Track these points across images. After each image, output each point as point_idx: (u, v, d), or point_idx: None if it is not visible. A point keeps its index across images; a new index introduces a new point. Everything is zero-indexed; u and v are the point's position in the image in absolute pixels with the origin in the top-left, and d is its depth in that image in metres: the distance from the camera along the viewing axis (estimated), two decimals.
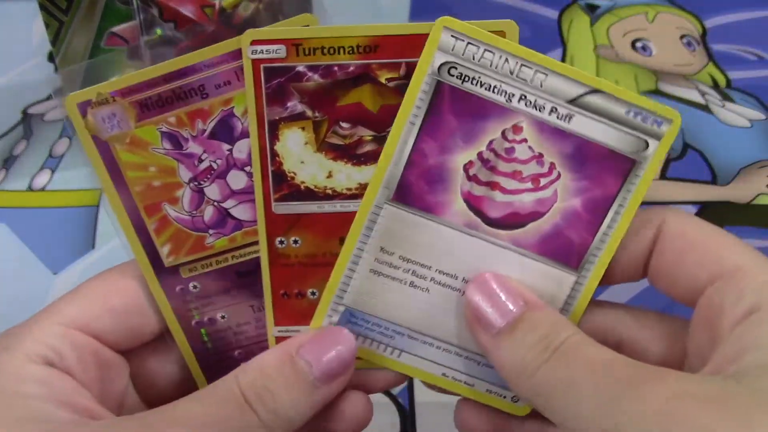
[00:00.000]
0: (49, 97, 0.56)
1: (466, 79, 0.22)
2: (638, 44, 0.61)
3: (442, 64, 0.22)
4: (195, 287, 0.25)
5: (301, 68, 0.22)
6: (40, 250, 0.45)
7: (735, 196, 0.48)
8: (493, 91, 0.22)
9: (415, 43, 0.22)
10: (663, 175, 0.50)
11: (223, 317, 0.26)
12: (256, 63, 0.22)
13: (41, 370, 0.22)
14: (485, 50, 0.22)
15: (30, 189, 0.50)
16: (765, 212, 0.47)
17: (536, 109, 0.22)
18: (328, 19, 0.63)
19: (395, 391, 0.38)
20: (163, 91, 0.23)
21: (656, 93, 0.56)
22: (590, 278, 0.24)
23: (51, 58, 0.60)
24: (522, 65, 0.22)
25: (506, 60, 0.22)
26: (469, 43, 0.22)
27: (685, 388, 0.19)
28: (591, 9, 0.65)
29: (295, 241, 0.24)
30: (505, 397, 0.25)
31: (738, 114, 0.54)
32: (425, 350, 0.25)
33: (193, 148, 0.23)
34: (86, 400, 0.22)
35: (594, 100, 0.22)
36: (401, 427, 0.37)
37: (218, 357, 0.26)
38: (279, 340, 0.25)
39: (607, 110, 0.22)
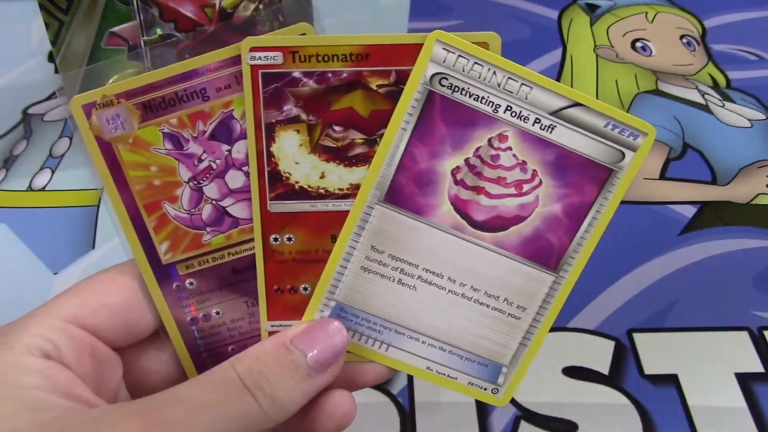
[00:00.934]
0: (49, 97, 0.56)
1: (456, 89, 0.24)
2: (638, 44, 0.61)
3: (434, 75, 0.23)
4: (191, 284, 0.26)
5: (297, 74, 0.23)
6: (40, 250, 0.45)
7: (735, 196, 0.48)
8: (481, 102, 0.24)
9: (404, 53, 0.23)
10: (663, 175, 0.50)
11: (217, 313, 0.26)
12: (254, 69, 0.23)
13: (40, 362, 0.22)
14: (475, 63, 0.23)
15: (30, 189, 0.50)
16: (765, 212, 0.47)
17: (521, 119, 0.24)
18: (327, 18, 0.63)
19: (395, 391, 0.38)
20: (166, 94, 0.24)
21: (656, 93, 0.56)
22: (567, 278, 0.26)
23: (51, 58, 0.60)
24: (509, 78, 0.24)
25: (494, 73, 0.24)
26: (459, 55, 0.23)
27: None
28: (591, 9, 0.65)
29: (289, 239, 0.25)
30: (485, 389, 0.27)
31: (738, 114, 0.54)
32: (411, 345, 0.26)
33: (194, 148, 0.24)
34: (84, 391, 0.23)
35: (575, 112, 0.24)
36: (401, 427, 0.37)
37: (211, 353, 0.27)
38: (271, 334, 0.25)
39: (586, 122, 0.24)
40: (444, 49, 0.23)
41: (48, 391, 0.21)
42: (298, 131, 0.24)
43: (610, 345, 0.40)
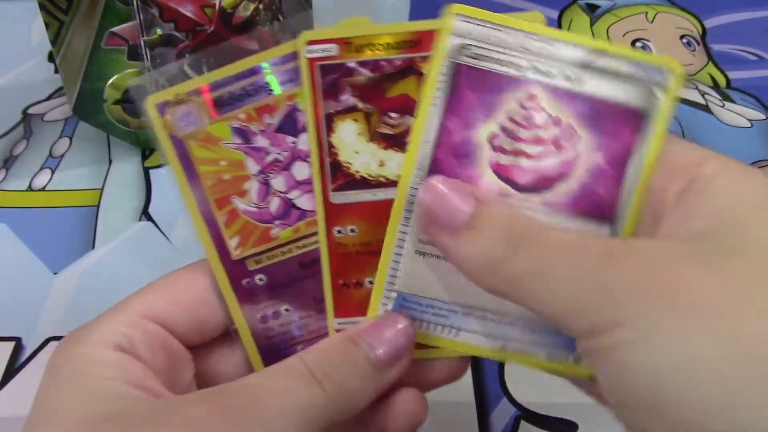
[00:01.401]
0: (49, 97, 0.56)
1: (480, 57, 0.23)
2: (638, 44, 0.61)
3: (456, 46, 0.23)
4: (261, 280, 0.26)
5: (351, 64, 0.24)
6: (40, 250, 0.45)
7: None
8: (506, 66, 0.23)
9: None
10: None
11: (287, 310, 0.26)
12: (311, 61, 0.24)
13: (113, 355, 0.23)
14: (494, 29, 0.23)
15: (30, 189, 0.50)
16: None
17: (547, 76, 0.24)
18: (327, 18, 0.63)
19: None
20: (235, 90, 0.24)
21: None
22: (625, 227, 0.24)
23: (51, 58, 0.60)
24: (529, 38, 0.24)
25: (514, 36, 0.23)
26: (478, 24, 0.23)
27: (659, 253, 0.20)
28: (591, 9, 0.65)
29: (352, 230, 0.24)
30: (566, 359, 0.26)
31: (738, 114, 0.54)
32: (481, 325, 0.24)
33: (261, 141, 0.24)
34: (155, 383, 0.23)
35: (599, 61, 0.24)
36: None
37: (281, 352, 0.26)
38: (339, 332, 0.25)
39: (613, 69, 0.24)
40: (464, 21, 0.23)
41: (121, 382, 0.22)
42: (356, 120, 0.23)
43: None
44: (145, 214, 0.47)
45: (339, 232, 0.24)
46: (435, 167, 0.23)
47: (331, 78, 0.24)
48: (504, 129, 0.24)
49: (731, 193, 0.21)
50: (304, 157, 0.24)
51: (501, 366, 0.39)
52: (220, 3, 0.43)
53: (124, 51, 0.46)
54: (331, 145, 0.24)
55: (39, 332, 0.41)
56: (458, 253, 0.22)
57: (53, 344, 0.40)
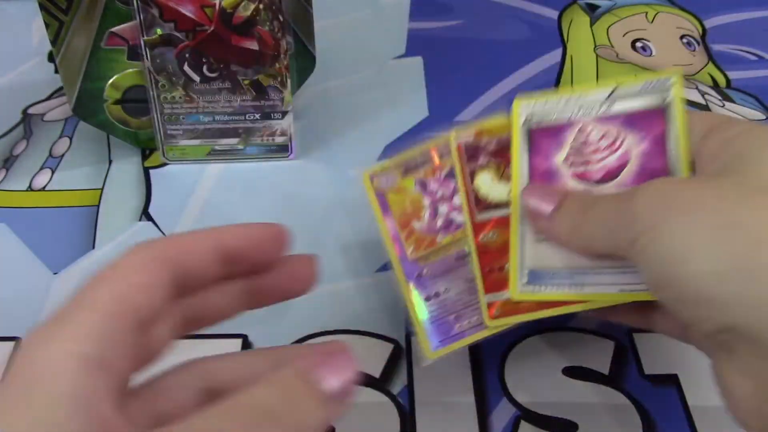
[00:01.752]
0: (49, 97, 0.57)
1: (541, 121, 0.36)
2: (638, 44, 0.61)
3: (525, 121, 0.36)
4: (427, 271, 0.37)
5: (483, 142, 0.38)
6: (40, 250, 0.45)
7: None
8: (558, 119, 0.35)
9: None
10: None
11: (446, 290, 0.36)
12: (459, 146, 0.38)
13: (71, 365, 0.22)
14: (543, 102, 0.36)
15: (30, 189, 0.50)
16: None
17: (588, 114, 0.35)
18: (327, 18, 0.63)
19: (395, 391, 0.38)
20: (418, 161, 0.39)
21: None
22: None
23: (51, 58, 0.60)
24: (566, 99, 0.36)
25: (555, 102, 0.36)
26: (535, 102, 0.36)
27: (667, 184, 0.29)
28: (591, 9, 0.65)
29: (493, 235, 0.35)
30: (636, 291, 0.32)
31: (738, 114, 0.54)
32: (598, 278, 0.33)
33: (433, 186, 0.38)
34: (107, 408, 0.22)
35: (617, 92, 0.35)
36: (401, 427, 0.37)
37: (440, 322, 0.36)
38: (489, 305, 0.34)
39: (629, 93, 0.35)
40: (525, 104, 0.36)
41: (66, 403, 0.21)
42: (489, 171, 0.37)
43: (610, 345, 0.40)
44: (145, 214, 0.47)
45: (483, 237, 0.36)
46: None
47: (471, 151, 0.37)
48: (572, 152, 0.35)
49: (740, 139, 0.29)
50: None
51: (501, 366, 0.39)
52: (220, 3, 0.43)
53: (124, 51, 0.46)
54: (475, 188, 0.37)
55: None
56: (552, 232, 0.32)
57: None
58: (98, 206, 0.48)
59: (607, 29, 0.63)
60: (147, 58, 0.45)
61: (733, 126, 0.30)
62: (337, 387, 0.24)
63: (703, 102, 0.55)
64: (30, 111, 0.56)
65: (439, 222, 0.37)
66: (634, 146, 0.34)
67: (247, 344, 0.40)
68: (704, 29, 0.63)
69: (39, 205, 0.48)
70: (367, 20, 0.65)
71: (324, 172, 0.50)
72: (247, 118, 0.48)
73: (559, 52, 0.61)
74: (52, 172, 0.51)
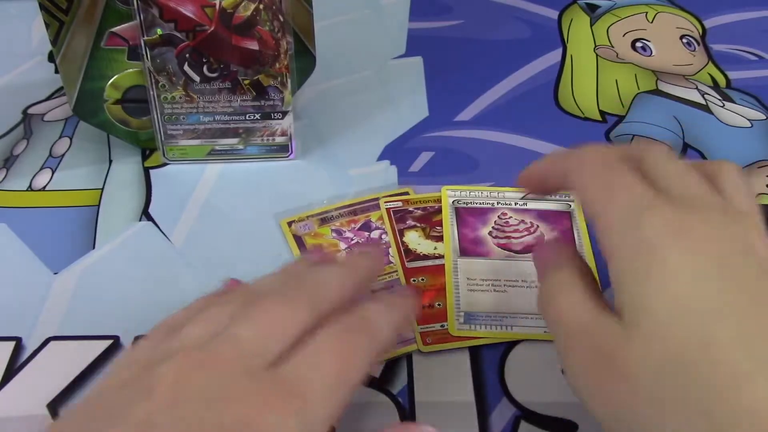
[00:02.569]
0: (49, 97, 0.57)
1: (467, 203, 0.47)
2: (638, 44, 0.61)
3: (453, 201, 0.47)
4: None
5: (410, 209, 0.47)
6: (40, 250, 0.45)
7: None
8: (483, 204, 0.47)
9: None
10: None
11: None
12: (388, 209, 0.46)
13: None
14: (467, 192, 0.47)
15: (30, 189, 0.50)
16: (765, 212, 0.47)
17: (507, 204, 0.47)
18: (327, 18, 0.63)
19: (395, 390, 0.38)
20: (334, 213, 0.46)
21: (656, 93, 0.56)
22: (588, 262, 0.43)
23: (51, 58, 0.60)
24: (488, 193, 0.47)
25: (480, 192, 0.47)
26: (461, 191, 0.47)
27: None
28: (591, 9, 0.65)
29: (423, 279, 0.43)
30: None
31: (738, 114, 0.54)
32: (526, 321, 0.40)
33: (348, 234, 0.45)
34: None
35: (530, 195, 0.46)
36: None
37: None
38: (423, 335, 0.40)
39: (539, 198, 0.47)
40: (452, 192, 0.47)
41: None
42: (416, 231, 0.45)
43: None
44: (145, 214, 0.47)
45: (414, 280, 0.43)
46: (463, 250, 0.44)
47: (399, 215, 0.46)
48: (496, 227, 0.45)
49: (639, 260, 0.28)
50: (370, 242, 0.45)
51: (501, 366, 0.39)
52: (220, 3, 0.43)
53: (124, 51, 0.46)
54: (404, 242, 0.45)
55: (39, 332, 0.41)
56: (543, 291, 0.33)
57: (53, 344, 0.40)
58: (98, 206, 0.48)
59: (607, 29, 0.63)
60: (147, 58, 0.45)
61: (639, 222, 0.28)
62: None
63: (703, 102, 0.55)
64: (30, 111, 0.56)
65: None
66: (548, 232, 0.45)
67: None
68: (704, 29, 0.63)
69: (39, 205, 0.48)
70: (367, 20, 0.65)
71: (324, 172, 0.50)
72: (247, 118, 0.48)
73: (559, 52, 0.61)
74: (52, 172, 0.50)
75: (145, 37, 0.44)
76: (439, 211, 0.46)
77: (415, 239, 0.44)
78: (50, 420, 0.37)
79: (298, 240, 0.45)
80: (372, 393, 0.38)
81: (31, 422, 0.37)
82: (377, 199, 0.47)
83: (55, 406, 0.37)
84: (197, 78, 0.45)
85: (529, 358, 0.40)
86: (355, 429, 0.37)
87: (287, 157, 0.50)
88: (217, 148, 0.49)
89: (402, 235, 0.45)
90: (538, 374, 0.39)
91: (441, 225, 0.45)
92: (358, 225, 0.45)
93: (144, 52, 0.44)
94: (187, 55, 0.44)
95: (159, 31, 0.43)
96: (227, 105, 0.47)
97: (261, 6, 0.43)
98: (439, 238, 0.45)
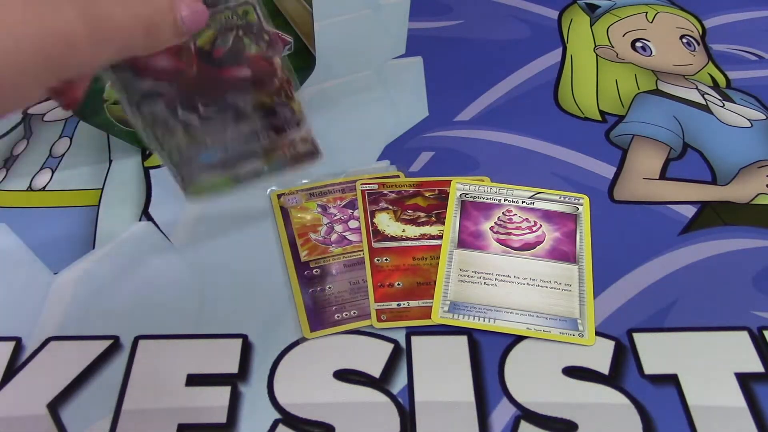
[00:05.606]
0: (49, 97, 0.56)
1: (474, 197, 0.48)
2: (638, 44, 0.61)
3: (461, 194, 0.48)
4: (317, 271, 0.45)
5: (385, 192, 0.49)
6: (40, 250, 0.45)
7: (735, 196, 0.48)
8: (489, 200, 0.48)
9: (439, 184, 0.49)
10: (663, 175, 0.50)
11: (329, 287, 0.44)
12: (363, 191, 0.48)
13: None
14: (476, 186, 0.49)
15: (30, 189, 0.50)
16: (765, 212, 0.47)
17: (513, 202, 0.48)
18: (327, 18, 0.63)
19: (395, 390, 0.38)
20: (323, 188, 0.49)
21: (656, 93, 0.56)
22: (585, 266, 0.45)
23: None
24: (497, 189, 0.49)
25: (488, 187, 0.49)
26: (470, 185, 0.48)
27: None
28: (591, 9, 0.65)
29: (387, 259, 0.45)
30: (574, 335, 0.41)
31: (738, 114, 0.54)
32: (510, 317, 0.41)
33: (332, 210, 0.47)
34: None
35: (539, 195, 0.48)
36: (401, 427, 0.37)
37: (319, 311, 0.42)
38: (378, 311, 0.42)
39: (548, 198, 0.48)
40: (459, 184, 0.49)
41: None
42: (387, 213, 0.47)
43: (610, 345, 0.40)
44: (145, 214, 0.47)
45: (378, 260, 0.45)
46: (461, 242, 0.45)
47: (374, 197, 0.48)
48: (498, 224, 0.46)
49: None
50: (356, 218, 0.47)
51: (501, 366, 0.39)
52: (195, 44, 0.39)
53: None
54: (374, 223, 0.47)
55: (39, 332, 0.41)
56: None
57: (53, 344, 0.40)
58: (98, 206, 0.48)
59: (607, 29, 0.63)
60: (139, 121, 0.40)
61: None
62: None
63: (703, 102, 0.55)
64: (30, 111, 0.56)
65: (334, 237, 0.46)
66: (549, 232, 0.46)
67: (247, 344, 0.40)
68: (704, 29, 0.63)
69: (39, 205, 0.48)
70: (367, 20, 0.65)
71: (324, 172, 0.50)
72: (261, 138, 0.42)
73: (559, 52, 0.61)
74: (52, 172, 0.51)
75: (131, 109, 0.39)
76: (414, 195, 0.48)
77: (385, 221, 0.47)
78: (50, 420, 0.37)
79: (284, 212, 0.47)
80: (372, 393, 0.38)
81: (31, 422, 0.37)
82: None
83: (55, 406, 0.37)
84: (195, 121, 0.40)
85: (529, 358, 0.40)
86: (355, 429, 0.37)
87: (316, 159, 0.43)
88: (240, 173, 0.45)
89: (373, 216, 0.47)
90: (538, 374, 0.39)
91: (413, 209, 0.47)
92: (344, 203, 0.48)
93: (133, 119, 0.40)
94: (177, 103, 0.40)
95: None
96: (236, 133, 0.42)
97: (240, 33, 0.40)
98: (410, 221, 0.47)
